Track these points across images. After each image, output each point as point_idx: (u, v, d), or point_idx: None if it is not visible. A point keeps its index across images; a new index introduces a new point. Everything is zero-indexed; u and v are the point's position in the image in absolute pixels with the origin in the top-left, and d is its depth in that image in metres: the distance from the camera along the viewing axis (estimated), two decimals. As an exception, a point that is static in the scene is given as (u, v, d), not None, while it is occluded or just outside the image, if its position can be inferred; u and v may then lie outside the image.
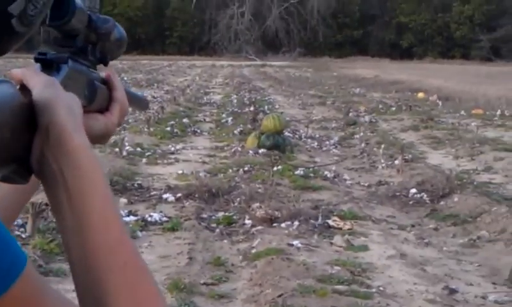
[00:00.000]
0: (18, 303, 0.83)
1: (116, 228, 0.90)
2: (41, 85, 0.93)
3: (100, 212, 0.89)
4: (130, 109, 1.28)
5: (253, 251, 7.20)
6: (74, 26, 1.07)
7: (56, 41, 1.09)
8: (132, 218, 8.27)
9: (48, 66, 1.04)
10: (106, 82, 1.19)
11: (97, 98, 1.15)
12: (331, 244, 7.61)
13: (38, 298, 0.85)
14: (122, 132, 13.50)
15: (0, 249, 0.81)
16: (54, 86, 0.94)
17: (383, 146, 13.47)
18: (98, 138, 1.16)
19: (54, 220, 0.95)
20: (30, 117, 0.89)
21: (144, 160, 12.14)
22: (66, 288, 4.99)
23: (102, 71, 1.21)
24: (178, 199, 9.29)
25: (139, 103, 1.44)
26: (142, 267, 0.92)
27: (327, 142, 15.56)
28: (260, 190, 9.37)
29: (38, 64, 1.05)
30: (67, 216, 0.88)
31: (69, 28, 1.07)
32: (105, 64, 1.19)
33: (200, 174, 10.78)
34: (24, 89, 0.93)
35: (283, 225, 8.04)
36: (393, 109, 22.16)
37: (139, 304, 0.89)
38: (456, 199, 9.51)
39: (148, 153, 12.70)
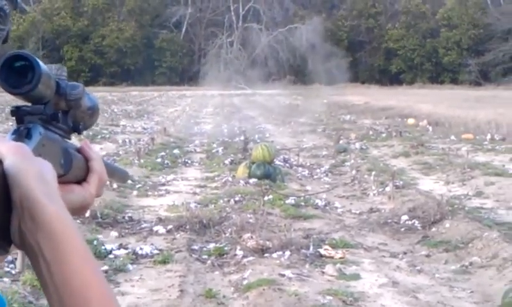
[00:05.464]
0: None
1: (97, 290, 0.89)
2: (10, 154, 0.90)
3: (80, 278, 0.88)
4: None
5: (245, 282, 7.15)
6: (42, 92, 1.04)
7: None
8: (122, 251, 8.24)
9: (20, 133, 1.02)
10: (81, 153, 1.15)
11: (73, 167, 1.11)
12: (323, 273, 7.58)
13: None
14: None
15: None
16: (23, 154, 0.91)
17: (373, 173, 13.48)
18: (76, 210, 1.13)
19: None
20: (4, 188, 0.87)
21: (134, 192, 12.09)
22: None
23: (77, 142, 1.17)
24: (169, 231, 9.26)
25: (119, 175, 1.41)
26: None
27: (318, 170, 15.55)
28: (251, 220, 9.34)
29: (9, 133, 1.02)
30: (49, 284, 0.87)
31: (37, 95, 1.04)
32: (79, 133, 1.16)
33: (191, 205, 10.75)
34: None
35: (274, 255, 8.00)
36: (384, 135, 22.22)
37: None
38: (447, 225, 9.49)
39: (139, 185, 12.66)
